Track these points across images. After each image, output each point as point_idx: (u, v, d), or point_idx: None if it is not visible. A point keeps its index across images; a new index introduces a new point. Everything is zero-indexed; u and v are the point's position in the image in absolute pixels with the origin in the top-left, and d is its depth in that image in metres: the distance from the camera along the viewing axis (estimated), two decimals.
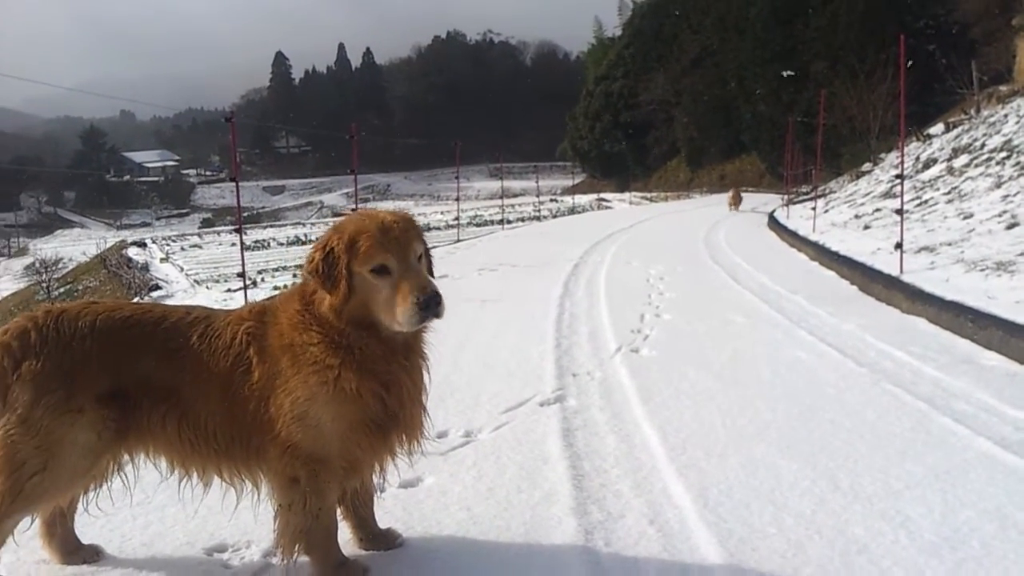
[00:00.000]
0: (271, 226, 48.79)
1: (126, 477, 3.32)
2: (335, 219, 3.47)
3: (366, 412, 3.00)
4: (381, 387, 3.00)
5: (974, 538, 3.36)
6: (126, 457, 3.22)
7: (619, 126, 74.35)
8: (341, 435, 2.99)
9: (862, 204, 18.19)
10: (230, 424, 3.04)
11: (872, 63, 35.80)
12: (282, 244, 30.97)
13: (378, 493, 3.69)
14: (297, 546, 3.04)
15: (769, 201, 33.10)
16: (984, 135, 17.52)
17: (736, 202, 30.92)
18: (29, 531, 3.34)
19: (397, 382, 3.04)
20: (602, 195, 57.84)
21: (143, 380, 3.03)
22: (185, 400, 3.04)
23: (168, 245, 34.50)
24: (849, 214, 17.29)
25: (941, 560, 3.19)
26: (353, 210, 14.49)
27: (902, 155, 11.98)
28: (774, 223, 19.66)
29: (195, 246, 33.84)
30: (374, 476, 3.30)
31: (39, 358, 2.93)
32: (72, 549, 3.37)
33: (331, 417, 2.96)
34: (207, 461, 3.12)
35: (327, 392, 2.94)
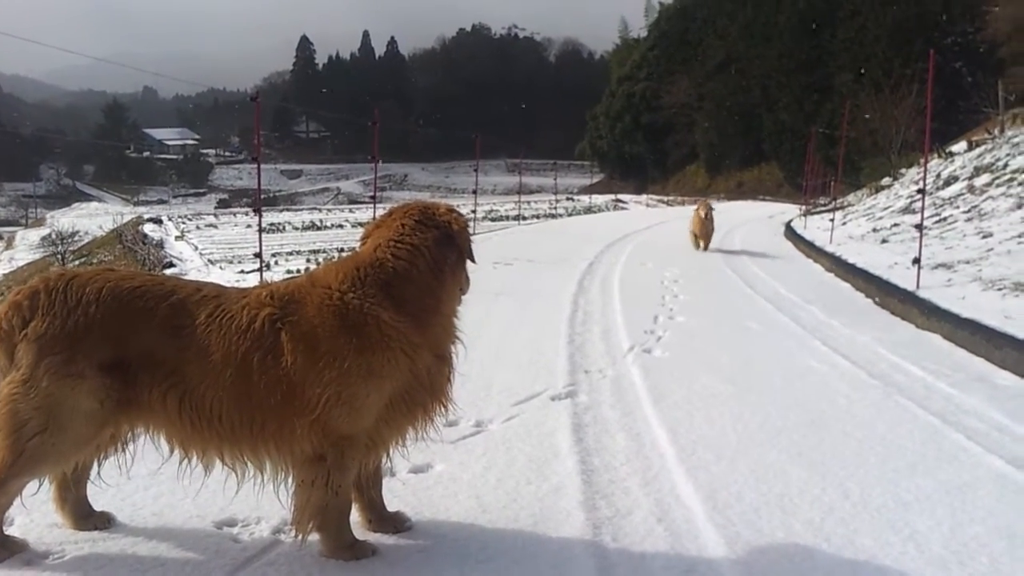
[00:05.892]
0: (287, 210, 48.91)
1: (135, 447, 3.34)
2: (388, 205, 3.62)
3: (409, 390, 3.08)
4: (436, 367, 3.18)
5: (983, 554, 3.34)
6: (135, 428, 3.23)
7: (639, 128, 74.27)
8: (377, 412, 3.04)
9: (880, 218, 18.10)
10: (240, 408, 2.99)
11: (898, 77, 35.70)
12: (297, 228, 30.97)
13: (388, 476, 3.71)
14: (312, 523, 3.06)
15: (781, 213, 31.55)
16: (1007, 155, 17.37)
17: (704, 231, 15.68)
18: (42, 495, 3.37)
19: (442, 363, 3.22)
20: (619, 196, 57.65)
21: (144, 353, 2.99)
22: (188, 379, 2.99)
23: (184, 223, 34.62)
24: (867, 227, 17.20)
25: (949, 574, 3.18)
26: (372, 198, 14.53)
27: (925, 170, 11.90)
28: (791, 233, 19.58)
29: (210, 226, 33.93)
30: (386, 457, 3.34)
31: (44, 320, 2.94)
32: (84, 515, 3.39)
33: (375, 394, 2.99)
34: (208, 444, 3.08)
35: (391, 369, 3.00)
